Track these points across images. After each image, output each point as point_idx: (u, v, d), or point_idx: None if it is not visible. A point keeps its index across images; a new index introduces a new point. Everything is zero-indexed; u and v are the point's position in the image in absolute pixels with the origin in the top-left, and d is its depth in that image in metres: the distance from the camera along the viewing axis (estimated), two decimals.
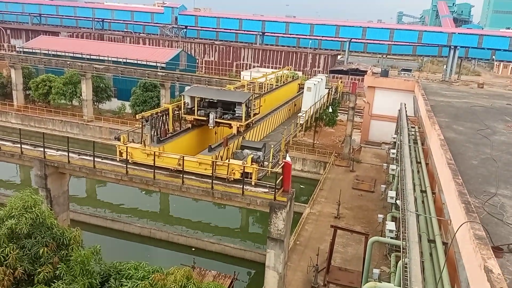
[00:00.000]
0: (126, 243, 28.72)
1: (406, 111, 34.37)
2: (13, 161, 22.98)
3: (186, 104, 24.13)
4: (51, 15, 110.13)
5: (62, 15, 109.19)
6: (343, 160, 41.89)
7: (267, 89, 33.26)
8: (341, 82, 45.25)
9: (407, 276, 11.62)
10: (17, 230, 13.61)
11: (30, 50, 61.49)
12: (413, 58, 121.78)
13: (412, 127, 30.91)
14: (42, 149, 21.63)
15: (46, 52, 60.07)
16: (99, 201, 35.99)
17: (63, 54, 59.13)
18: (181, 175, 19.24)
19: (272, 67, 75.10)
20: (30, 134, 38.93)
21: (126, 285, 13.30)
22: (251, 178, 18.99)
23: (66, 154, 21.12)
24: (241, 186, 18.26)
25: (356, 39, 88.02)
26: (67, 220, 22.36)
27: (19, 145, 22.22)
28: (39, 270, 13.15)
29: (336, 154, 43.00)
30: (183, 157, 19.61)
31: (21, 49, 63.33)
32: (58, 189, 21.74)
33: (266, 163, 20.86)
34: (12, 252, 13.05)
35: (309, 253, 24.45)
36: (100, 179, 21.35)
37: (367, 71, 57.65)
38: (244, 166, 18.72)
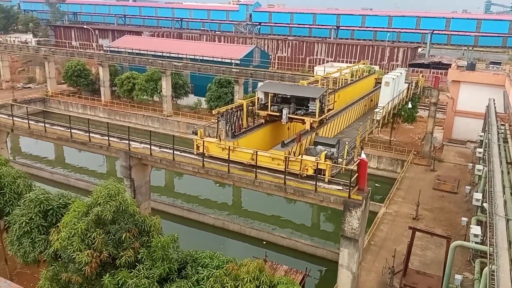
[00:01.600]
0: (201, 232, 29.85)
1: (495, 108, 31.72)
2: (101, 152, 24.96)
3: (259, 100, 24.36)
4: (135, 15, 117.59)
5: (145, 16, 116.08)
6: (422, 159, 39.76)
7: (342, 84, 32.48)
8: (422, 76, 42.79)
9: (494, 285, 10.88)
10: (103, 216, 14.70)
11: (116, 49, 66.16)
12: (503, 51, 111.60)
13: (502, 124, 28.48)
14: (127, 141, 23.21)
15: (130, 50, 64.24)
16: (176, 192, 37.87)
17: (146, 52, 62.83)
18: (255, 170, 19.54)
19: (347, 62, 73.29)
20: (115, 127, 41.98)
21: (202, 273, 13.85)
22: (324, 175, 18.71)
23: (149, 146, 22.45)
24: (314, 183, 18.07)
25: (439, 30, 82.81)
26: (148, 208, 23.82)
27: (107, 138, 24.04)
28: (122, 254, 14.13)
29: (415, 152, 40.94)
30: (257, 152, 19.86)
31: (108, 48, 68.47)
32: (141, 179, 23.21)
33: (340, 160, 20.41)
34: (98, 237, 14.15)
35: (384, 254, 23.59)
36: (179, 171, 22.44)
37: (451, 64, 54.18)
38: (317, 163, 18.49)
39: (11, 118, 28.05)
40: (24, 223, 16.25)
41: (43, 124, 26.48)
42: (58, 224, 15.59)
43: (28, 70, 74.13)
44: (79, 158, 43.71)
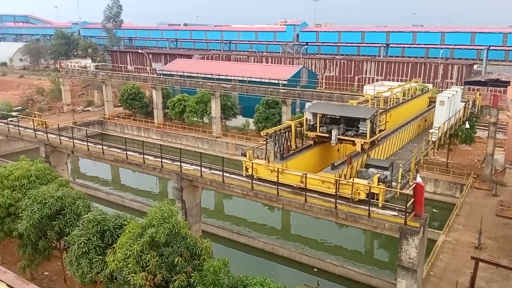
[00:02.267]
0: (250, 257, 29.59)
1: None
2: (155, 173, 25.78)
3: (308, 121, 24.24)
4: (186, 39, 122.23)
5: (195, 39, 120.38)
6: (483, 183, 37.49)
7: (393, 103, 31.63)
8: (479, 94, 40.78)
9: None
10: (156, 238, 15.02)
11: (168, 72, 68.84)
12: None
13: None
14: (179, 163, 23.83)
15: (182, 73, 66.58)
16: (226, 214, 38.01)
17: (196, 75, 64.83)
18: (304, 193, 19.30)
19: (397, 80, 71.48)
20: (167, 149, 43.30)
21: None
22: (377, 199, 18.12)
23: (199, 168, 22.91)
24: (367, 208, 17.54)
25: (495, 46, 79.01)
26: (199, 231, 24.14)
27: (160, 160, 24.82)
28: (175, 278, 14.31)
29: (474, 176, 38.67)
30: (306, 174, 19.65)
31: (160, 72, 71.41)
32: (191, 201, 23.65)
33: (394, 183, 19.72)
34: (152, 259, 14.43)
35: (445, 286, 22.20)
36: (228, 193, 22.65)
37: (510, 81, 51.36)
38: (370, 186, 17.97)
39: (72, 140, 29.76)
40: (82, 243, 16.96)
41: (101, 147, 27.84)
42: (114, 245, 16.15)
43: (87, 94, 78.73)
44: (134, 178, 45.33)
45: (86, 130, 32.23)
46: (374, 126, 22.85)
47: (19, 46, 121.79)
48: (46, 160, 30.57)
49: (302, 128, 24.29)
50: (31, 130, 34.17)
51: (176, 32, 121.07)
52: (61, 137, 30.92)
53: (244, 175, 21.83)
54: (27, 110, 65.80)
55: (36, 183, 21.85)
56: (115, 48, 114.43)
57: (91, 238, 17.04)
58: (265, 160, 21.83)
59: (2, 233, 21.10)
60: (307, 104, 50.59)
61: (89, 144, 28.78)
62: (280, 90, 52.41)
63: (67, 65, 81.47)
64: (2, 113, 51.92)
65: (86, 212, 19.27)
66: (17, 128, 34.63)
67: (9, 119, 43.64)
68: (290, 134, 23.60)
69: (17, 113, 59.45)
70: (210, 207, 39.01)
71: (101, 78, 65.48)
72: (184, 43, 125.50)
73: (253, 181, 20.77)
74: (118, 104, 68.64)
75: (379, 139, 24.03)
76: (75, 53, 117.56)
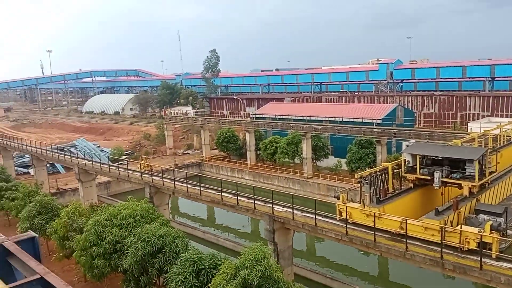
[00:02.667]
0: None
1: None
2: (247, 214, 26.24)
3: (406, 162, 22.95)
4: (277, 83, 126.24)
5: (286, 83, 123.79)
6: None
7: (504, 142, 28.67)
8: None
9: None
10: (249, 280, 14.98)
11: (261, 116, 71.09)
12: None
13: None
14: (271, 205, 23.97)
15: (273, 116, 68.30)
16: (318, 257, 36.85)
17: (287, 117, 66.03)
18: (405, 240, 17.98)
19: (506, 116, 65.04)
20: (259, 189, 43.98)
21: None
22: (490, 249, 16.18)
23: (291, 210, 22.76)
24: (479, 259, 15.70)
25: None
26: (291, 274, 23.62)
27: (252, 201, 25.24)
28: None
29: None
30: (406, 220, 18.38)
31: (253, 115, 74.10)
32: (284, 244, 23.40)
33: (509, 231, 17.51)
34: None
35: None
36: (321, 237, 22.02)
37: None
38: (481, 235, 16.15)
39: (173, 182, 31.77)
40: (180, 281, 17.58)
41: (198, 188, 29.26)
42: (209, 285, 16.47)
43: (187, 138, 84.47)
44: (228, 218, 46.53)
45: (186, 172, 34.28)
46: (483, 167, 20.82)
47: (130, 97, 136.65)
48: (150, 200, 32.90)
49: (400, 170, 23.01)
50: (138, 173, 37.30)
51: (268, 77, 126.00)
52: (164, 179, 33.20)
53: (337, 218, 21.13)
54: (135, 154, 72.45)
55: (141, 222, 23.50)
56: (213, 95, 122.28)
57: (187, 277, 17.61)
58: (360, 203, 20.96)
59: (109, 268, 22.82)
60: (404, 144, 48.18)
61: (188, 186, 30.44)
62: (374, 130, 50.81)
63: (171, 112, 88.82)
64: (113, 157, 57.80)
65: (184, 251, 20.09)
66: (126, 171, 38.04)
67: (119, 162, 48.35)
68: (387, 176, 22.47)
69: (126, 156, 65.66)
70: (302, 249, 38.18)
71: (200, 124, 69.92)
72: (276, 87, 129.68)
73: (348, 226, 19.94)
74: (215, 147, 72.21)
75: (489, 181, 21.76)
76: (178, 101, 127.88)
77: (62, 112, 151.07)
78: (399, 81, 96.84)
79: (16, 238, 5.22)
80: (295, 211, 22.89)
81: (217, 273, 16.80)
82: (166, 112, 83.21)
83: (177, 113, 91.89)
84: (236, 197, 26.41)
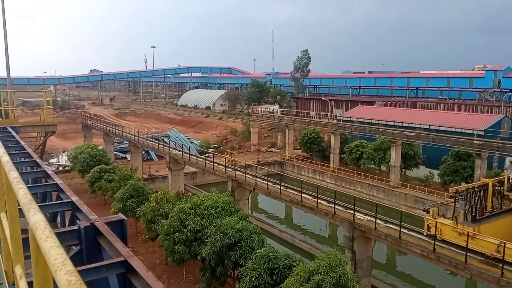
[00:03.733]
0: None
1: None
2: (326, 218, 25.68)
3: (510, 180, 20.59)
4: (369, 86, 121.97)
5: (379, 86, 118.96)
6: None
7: None
8: None
9: None
10: (322, 287, 14.52)
11: (348, 119, 69.19)
12: None
13: None
14: (352, 211, 23.13)
15: (362, 120, 66.05)
16: (398, 271, 34.92)
17: (377, 122, 63.37)
18: (501, 265, 16.13)
19: None
20: (340, 194, 42.88)
21: None
22: None
23: (374, 220, 21.71)
24: None
25: None
26: (368, 286, 22.60)
27: (333, 206, 24.59)
28: None
29: None
30: (505, 244, 16.46)
31: (341, 118, 72.39)
32: (363, 253, 22.44)
33: None
34: None
35: None
36: (404, 251, 20.72)
37: None
38: None
39: (255, 178, 32.22)
40: (254, 277, 17.67)
41: (279, 186, 29.30)
42: (282, 285, 16.32)
43: (271, 136, 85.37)
44: (306, 219, 46.09)
45: (268, 170, 34.59)
46: None
47: (221, 93, 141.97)
48: (232, 194, 33.75)
49: (501, 188, 20.75)
50: (222, 167, 38.50)
51: (359, 80, 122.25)
52: (246, 175, 33.83)
53: (424, 233, 19.68)
54: (221, 147, 75.09)
55: (222, 214, 24.14)
56: (301, 95, 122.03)
57: (261, 273, 17.63)
58: (453, 220, 19.28)
59: (189, 254, 23.81)
60: (508, 160, 43.46)
61: (269, 183, 30.65)
62: (475, 141, 46.56)
63: (258, 110, 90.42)
64: (201, 149, 60.43)
65: (260, 247, 20.18)
66: (212, 163, 39.48)
67: (206, 155, 50.39)
68: (486, 193, 20.41)
69: (213, 150, 68.28)
70: (381, 260, 36.40)
71: (285, 123, 70.18)
72: (367, 90, 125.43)
73: (436, 242, 18.44)
74: (298, 147, 71.94)
75: None
76: (266, 99, 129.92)
77: (159, 104, 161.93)
78: (508, 90, 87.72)
79: (107, 219, 5.51)
80: (378, 221, 21.80)
81: (290, 274, 16.60)
82: (254, 109, 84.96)
83: (264, 111, 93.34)
84: (316, 200, 25.98)
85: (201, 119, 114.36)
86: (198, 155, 45.68)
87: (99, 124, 66.84)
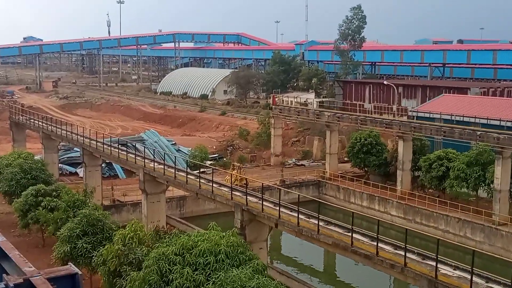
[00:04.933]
0: None
1: None
2: (391, 272, 25.34)
3: None
4: (459, 64, 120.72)
5: (475, 64, 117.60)
6: None
7: None
8: None
9: None
10: None
11: (426, 115, 68.57)
12: None
13: None
14: (433, 262, 22.72)
15: (448, 117, 65.39)
16: None
17: (472, 120, 62.65)
18: None
19: None
20: (414, 234, 42.27)
21: None
22: None
23: (469, 277, 21.27)
24: None
25: None
26: None
27: (402, 253, 24.22)
28: None
29: None
30: None
31: (414, 114, 71.81)
32: None
33: None
34: None
35: None
36: None
37: None
38: None
39: (278, 208, 31.98)
40: None
41: (316, 222, 29.04)
42: None
43: (303, 142, 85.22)
44: (357, 274, 45.63)
45: (298, 195, 34.36)
46: None
47: (226, 74, 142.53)
48: (241, 231, 33.54)
49: None
50: (227, 189, 38.36)
51: (444, 53, 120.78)
52: (264, 202, 33.61)
53: None
54: (224, 159, 75.17)
55: (225, 263, 23.94)
56: (350, 78, 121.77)
57: None
58: None
59: None
60: None
61: (300, 216, 30.38)
62: None
63: (282, 100, 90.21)
64: (194, 161, 60.45)
65: None
66: (211, 184, 39.37)
67: (202, 170, 50.34)
68: None
69: (211, 162, 68.28)
70: None
71: (326, 121, 69.99)
72: (457, 69, 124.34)
73: None
74: (345, 159, 71.50)
75: None
76: (295, 83, 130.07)
77: (129, 91, 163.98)
78: None
79: (50, 273, 5.38)
80: (476, 279, 21.40)
81: None
82: (276, 99, 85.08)
83: (292, 101, 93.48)
84: (375, 243, 25.65)
85: (193, 114, 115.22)
86: (188, 170, 45.66)
87: (36, 122, 67.56)
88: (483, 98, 78.25)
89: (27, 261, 6.06)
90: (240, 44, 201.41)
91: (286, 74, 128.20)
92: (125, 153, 51.32)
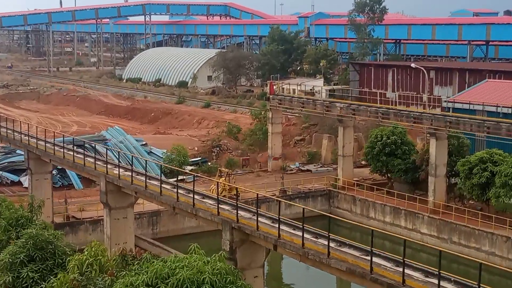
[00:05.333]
0: None
1: None
2: None
3: None
4: (507, 42, 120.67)
5: None
6: None
7: None
8: None
9: None
10: None
11: (466, 106, 68.57)
12: None
13: None
14: None
15: (493, 109, 65.50)
16: None
17: None
18: None
19: None
20: (449, 257, 42.35)
21: None
22: None
23: None
24: None
25: None
26: None
27: (436, 282, 24.25)
28: None
29: None
30: None
31: (450, 105, 71.85)
32: None
33: None
34: None
35: None
36: None
37: None
38: None
39: (277, 225, 31.96)
40: None
41: (325, 242, 29.01)
42: None
43: (310, 141, 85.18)
44: None
45: (303, 208, 34.25)
46: None
47: (209, 56, 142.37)
48: (231, 256, 33.44)
49: None
50: (212, 201, 38.23)
51: (487, 28, 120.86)
52: (259, 218, 33.54)
53: None
54: (209, 163, 75.02)
55: None
56: (368, 60, 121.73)
57: None
58: None
59: None
60: None
61: (305, 235, 30.33)
62: None
63: (282, 88, 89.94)
64: (170, 167, 60.24)
65: None
66: (192, 195, 39.26)
67: (180, 177, 50.21)
68: None
69: (192, 168, 68.09)
70: None
71: (338, 114, 69.99)
72: (503, 48, 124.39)
73: None
74: (362, 163, 71.58)
75: None
76: (298, 67, 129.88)
77: (87, 77, 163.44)
78: None
79: None
80: None
81: None
82: (275, 87, 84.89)
83: (294, 90, 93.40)
84: (401, 269, 25.66)
85: (169, 106, 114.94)
86: (163, 178, 45.58)
87: None
88: None
89: None
90: (228, 18, 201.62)
91: (287, 55, 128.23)
92: (82, 156, 51.12)
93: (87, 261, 29.20)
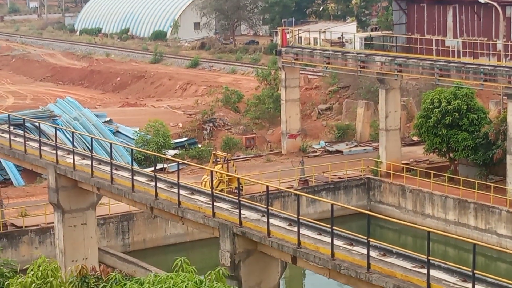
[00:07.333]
0: None
1: None
2: None
3: None
4: None
5: None
6: None
7: None
8: None
9: None
10: None
11: None
12: None
13: None
14: None
15: None
16: None
17: None
18: None
19: None
20: None
21: None
22: None
23: None
24: None
25: None
26: None
27: None
28: None
29: None
30: None
31: None
32: None
33: None
34: None
35: None
36: None
37: None
38: None
39: (297, 231, 32.09)
40: None
41: (364, 250, 29.16)
42: None
43: (339, 110, 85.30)
44: None
45: (331, 205, 34.28)
46: None
47: None
48: (233, 273, 33.58)
49: None
50: (205, 198, 38.37)
51: None
52: (272, 220, 33.67)
53: None
54: (199, 145, 75.14)
55: None
56: None
57: None
58: None
59: None
60: None
61: (336, 242, 30.46)
62: None
63: (299, 37, 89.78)
64: (144, 151, 60.46)
65: None
66: (176, 190, 39.39)
67: (160, 166, 50.31)
68: None
69: (176, 152, 68.28)
70: None
71: (378, 71, 69.95)
72: None
73: None
74: (413, 139, 71.77)
75: None
76: (321, 8, 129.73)
77: (25, 29, 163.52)
78: None
79: None
80: None
81: None
82: (289, 36, 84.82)
83: (316, 39, 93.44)
84: (470, 286, 25.80)
85: (141, 67, 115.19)
86: (136, 167, 45.76)
87: None
88: None
89: None
90: None
91: None
92: (22, 140, 51.32)
93: (33, 284, 29.46)
